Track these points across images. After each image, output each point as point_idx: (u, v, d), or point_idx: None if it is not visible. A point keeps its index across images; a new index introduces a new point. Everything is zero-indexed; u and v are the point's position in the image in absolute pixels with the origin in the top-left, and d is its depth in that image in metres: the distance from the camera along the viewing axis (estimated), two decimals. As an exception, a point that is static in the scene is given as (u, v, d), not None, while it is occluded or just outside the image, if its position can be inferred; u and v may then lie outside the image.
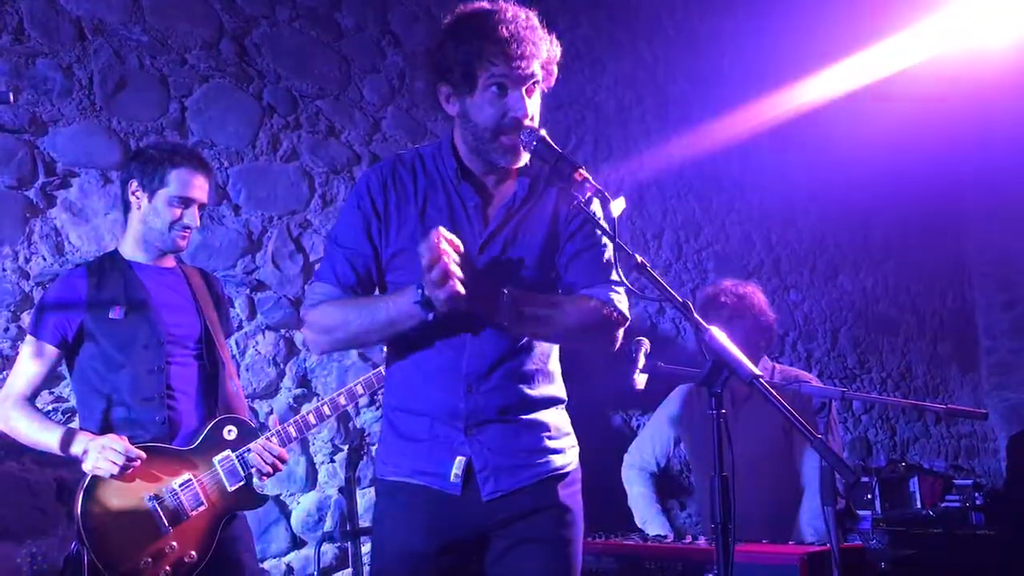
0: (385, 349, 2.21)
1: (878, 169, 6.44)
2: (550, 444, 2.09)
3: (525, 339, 2.06)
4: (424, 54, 2.07)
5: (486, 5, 1.98)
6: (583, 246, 2.08)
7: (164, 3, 3.58)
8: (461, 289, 1.80)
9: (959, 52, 5.68)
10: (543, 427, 2.09)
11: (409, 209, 2.06)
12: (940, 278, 7.42)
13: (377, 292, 2.12)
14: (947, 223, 7.57)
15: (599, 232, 2.06)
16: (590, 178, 1.89)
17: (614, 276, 2.08)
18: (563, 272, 2.10)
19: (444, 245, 1.81)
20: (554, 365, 2.16)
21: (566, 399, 2.19)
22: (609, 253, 2.09)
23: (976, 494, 4.87)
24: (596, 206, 1.97)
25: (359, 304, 2.01)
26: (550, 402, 2.13)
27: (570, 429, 2.18)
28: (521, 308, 1.93)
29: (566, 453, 2.13)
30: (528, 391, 2.07)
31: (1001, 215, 7.40)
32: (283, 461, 2.79)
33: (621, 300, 2.08)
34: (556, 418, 2.13)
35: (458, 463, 2.01)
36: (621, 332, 2.10)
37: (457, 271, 1.80)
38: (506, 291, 1.92)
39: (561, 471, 2.10)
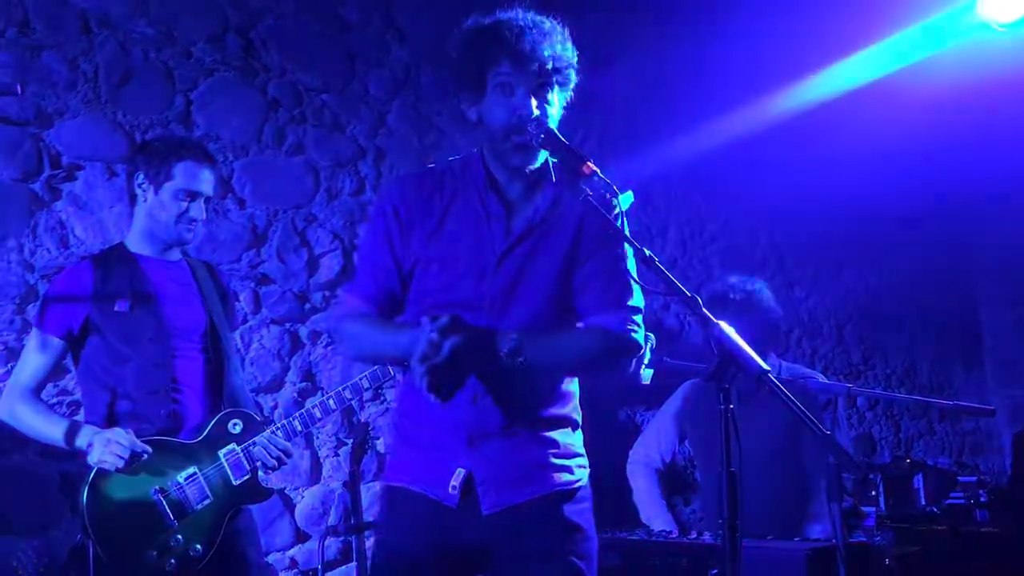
0: None
1: (884, 165, 6.42)
2: (555, 461, 2.03)
3: None
4: (447, 65, 2.07)
5: (499, 14, 1.99)
6: (600, 269, 2.03)
7: (169, -4, 3.58)
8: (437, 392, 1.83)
9: (965, 49, 5.66)
10: (550, 443, 2.04)
11: (431, 220, 2.04)
12: (945, 275, 7.39)
13: (404, 306, 2.11)
14: (953, 220, 7.54)
15: (618, 245, 2.02)
16: (598, 171, 1.88)
17: (631, 302, 2.03)
18: (577, 291, 2.04)
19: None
20: (569, 386, 2.10)
21: (579, 423, 2.12)
22: (628, 273, 2.03)
23: (981, 491, 4.85)
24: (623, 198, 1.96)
25: (375, 330, 2.03)
26: (559, 422, 2.07)
27: (581, 451, 2.11)
28: (522, 359, 1.88)
29: (573, 471, 2.06)
30: (536, 408, 2.03)
31: (1007, 212, 7.37)
32: (288, 455, 2.79)
33: (636, 328, 2.02)
34: (565, 438, 2.07)
35: (457, 474, 1.98)
36: (633, 360, 2.06)
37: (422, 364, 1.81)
38: (505, 349, 1.87)
39: (567, 488, 2.03)
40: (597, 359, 2.02)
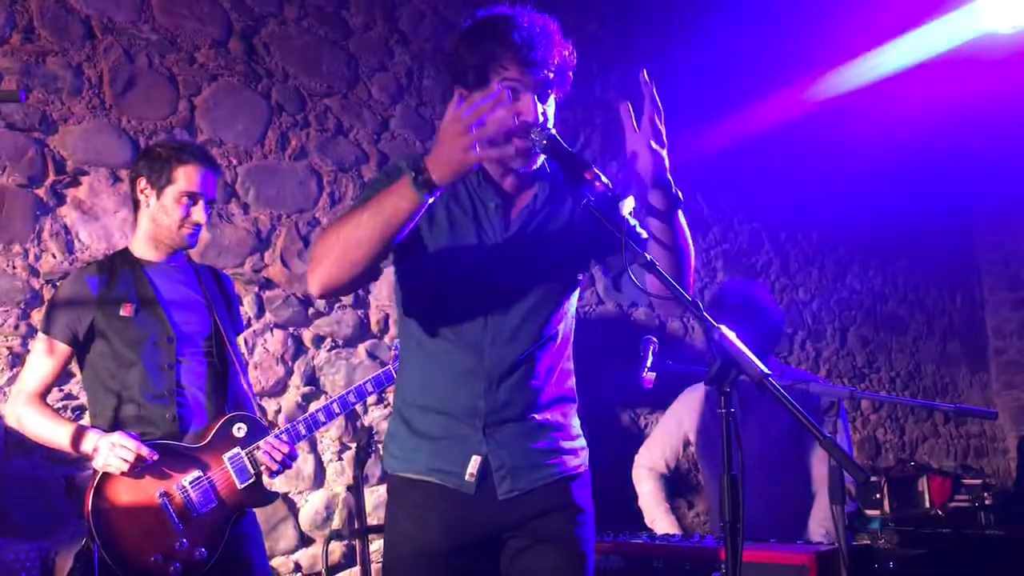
0: (399, 344, 2.20)
1: (888, 167, 6.43)
2: (564, 445, 2.10)
3: (546, 336, 2.06)
4: (442, 56, 2.08)
5: (502, 10, 1.98)
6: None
7: (173, 2, 3.59)
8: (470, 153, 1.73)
9: (970, 50, 5.66)
10: (558, 428, 2.10)
11: (435, 205, 2.02)
12: (949, 277, 7.39)
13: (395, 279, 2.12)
14: (957, 221, 7.54)
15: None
16: (600, 176, 1.88)
17: None
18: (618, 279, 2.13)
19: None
20: (568, 363, 2.16)
21: (577, 399, 2.19)
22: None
23: (985, 494, 4.85)
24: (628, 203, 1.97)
25: (357, 207, 1.89)
26: (564, 400, 2.13)
27: (580, 431, 2.18)
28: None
29: (578, 455, 2.13)
30: (545, 389, 2.08)
31: (1010, 212, 7.38)
32: (292, 459, 2.79)
33: None
34: (569, 418, 2.15)
35: (474, 462, 2.01)
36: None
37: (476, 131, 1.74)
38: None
39: (574, 472, 2.11)
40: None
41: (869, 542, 3.65)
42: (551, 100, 2.01)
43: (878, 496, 4.42)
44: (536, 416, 2.06)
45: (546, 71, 1.94)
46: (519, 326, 2.03)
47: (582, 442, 2.17)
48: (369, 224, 1.82)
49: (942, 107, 6.32)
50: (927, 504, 4.91)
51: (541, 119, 1.95)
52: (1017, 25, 5.35)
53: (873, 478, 4.43)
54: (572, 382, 2.17)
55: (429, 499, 2.04)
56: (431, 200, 1.80)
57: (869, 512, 4.27)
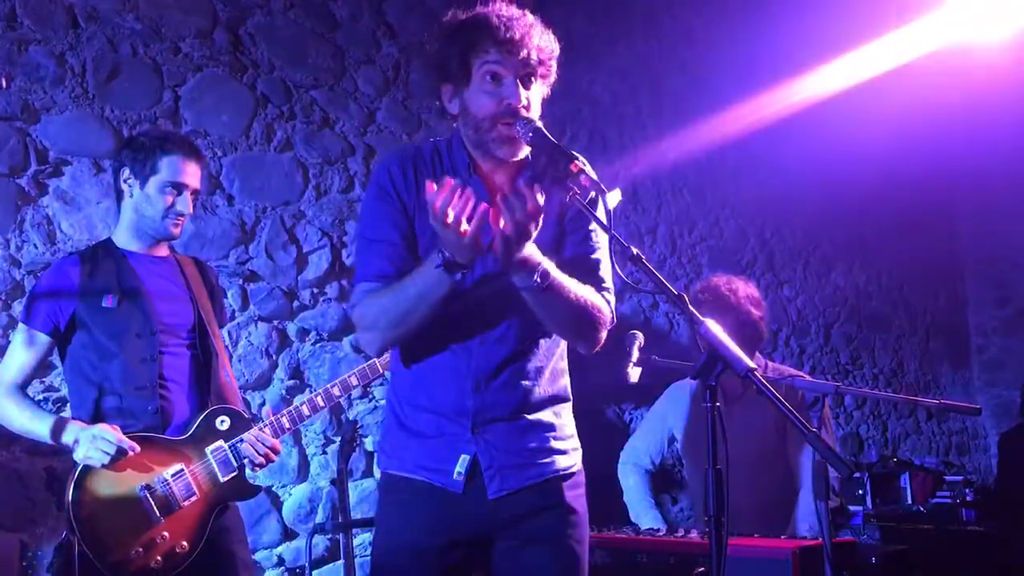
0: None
1: (872, 165, 6.45)
2: (555, 444, 2.08)
3: (535, 337, 2.05)
4: (425, 56, 2.08)
5: (479, 7, 2.00)
6: (579, 251, 2.08)
7: (158, -9, 3.56)
8: (477, 241, 1.77)
9: (952, 48, 5.69)
10: (548, 427, 2.08)
11: (423, 200, 2.03)
12: (933, 275, 7.44)
13: None
14: (940, 220, 7.59)
15: (593, 230, 2.06)
16: (586, 169, 1.88)
17: (606, 282, 2.08)
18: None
19: (445, 202, 1.75)
20: (562, 362, 2.14)
21: (571, 398, 2.17)
22: (602, 255, 2.08)
23: (967, 490, 4.88)
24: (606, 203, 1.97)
25: (392, 288, 1.96)
26: (556, 400, 2.11)
27: (574, 431, 2.15)
28: (548, 271, 1.90)
29: (570, 455, 2.11)
30: (535, 389, 2.06)
31: (993, 212, 7.42)
32: (276, 452, 2.78)
33: (612, 305, 2.09)
34: (561, 418, 2.12)
35: (462, 461, 2.00)
36: (603, 336, 2.10)
37: (466, 224, 1.76)
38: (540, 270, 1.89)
39: (565, 472, 2.09)
40: (590, 315, 2.02)
41: (852, 537, 3.66)
42: (536, 88, 2.00)
43: (861, 492, 4.44)
44: (528, 416, 2.05)
45: (526, 53, 1.94)
46: (509, 324, 2.02)
47: (575, 442, 2.14)
48: (418, 310, 1.93)
49: (927, 106, 6.35)
50: (909, 500, 4.94)
51: (524, 102, 1.95)
52: (1000, 29, 5.39)
53: (857, 474, 4.45)
54: (566, 380, 2.15)
55: (418, 497, 2.03)
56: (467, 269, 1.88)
57: (852, 507, 4.29)
